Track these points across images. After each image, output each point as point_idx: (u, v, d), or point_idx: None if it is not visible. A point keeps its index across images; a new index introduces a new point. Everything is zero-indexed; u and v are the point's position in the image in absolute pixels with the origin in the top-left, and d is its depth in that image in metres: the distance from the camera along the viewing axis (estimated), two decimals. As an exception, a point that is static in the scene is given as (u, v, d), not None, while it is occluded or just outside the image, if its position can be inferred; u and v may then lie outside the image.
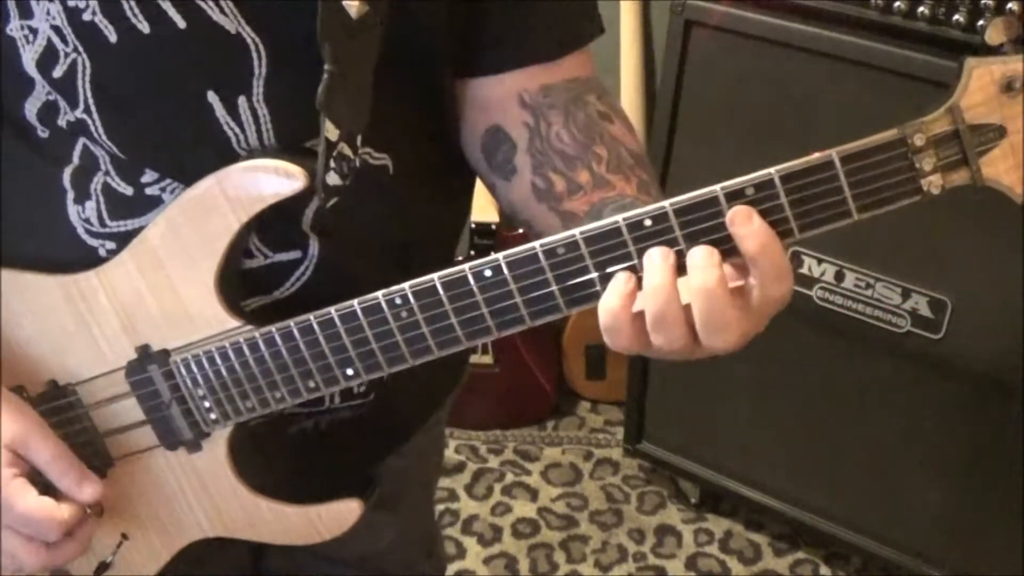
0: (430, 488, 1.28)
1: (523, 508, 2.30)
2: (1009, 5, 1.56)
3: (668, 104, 1.88)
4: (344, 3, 0.78)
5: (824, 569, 2.16)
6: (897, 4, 1.64)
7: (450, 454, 2.41)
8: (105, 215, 0.87)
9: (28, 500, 0.83)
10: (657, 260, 0.72)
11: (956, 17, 1.60)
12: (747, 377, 1.99)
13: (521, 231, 2.29)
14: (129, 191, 0.86)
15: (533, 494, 2.34)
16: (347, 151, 0.83)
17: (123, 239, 0.86)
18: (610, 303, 0.73)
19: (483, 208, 2.25)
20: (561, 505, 2.31)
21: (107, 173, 0.86)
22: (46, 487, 0.85)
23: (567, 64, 0.92)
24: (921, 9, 1.63)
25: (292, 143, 0.84)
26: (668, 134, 1.89)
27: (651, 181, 0.88)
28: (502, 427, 2.50)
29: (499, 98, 0.91)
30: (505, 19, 0.89)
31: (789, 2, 1.73)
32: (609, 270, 0.73)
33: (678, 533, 2.24)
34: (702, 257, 0.71)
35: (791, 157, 0.70)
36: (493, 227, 2.29)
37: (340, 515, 0.92)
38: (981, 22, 1.59)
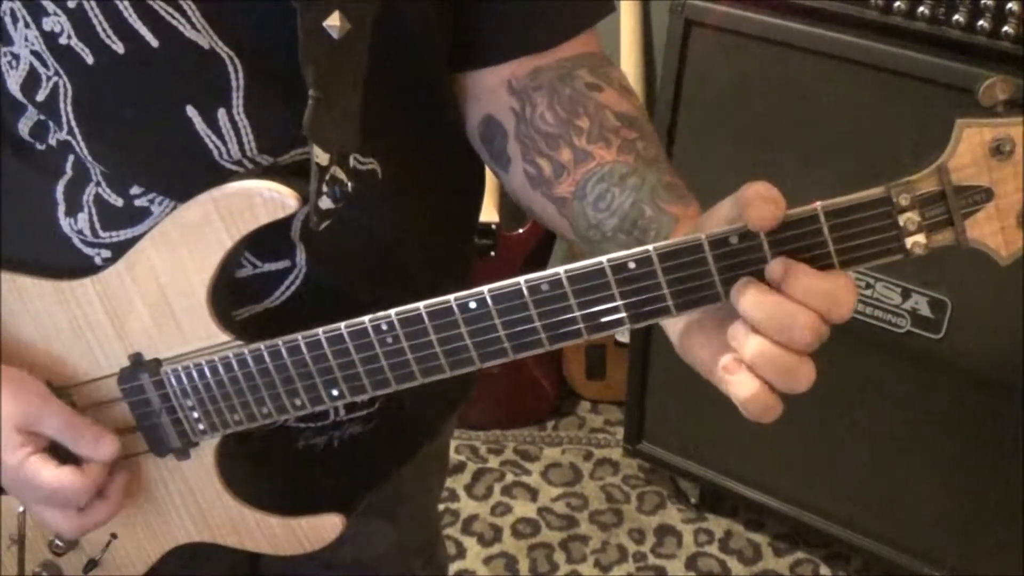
0: (431, 496, 1.26)
1: (523, 508, 2.30)
2: (1009, 5, 1.56)
3: (668, 104, 1.87)
4: (325, 24, 0.77)
5: (824, 569, 2.16)
6: (897, 4, 1.64)
7: (450, 454, 2.40)
8: (97, 226, 0.87)
9: (46, 474, 0.85)
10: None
11: (956, 17, 1.60)
12: (747, 377, 1.98)
13: (521, 231, 2.30)
14: (119, 202, 0.86)
15: (533, 494, 2.34)
16: (340, 174, 0.82)
17: (118, 248, 0.87)
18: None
19: (483, 208, 2.24)
20: (561, 505, 2.31)
21: (98, 184, 0.86)
22: (68, 454, 0.87)
23: (564, 45, 0.89)
24: (921, 9, 1.63)
25: (275, 153, 0.84)
26: (668, 134, 1.88)
27: (639, 138, 0.84)
28: (502, 427, 2.49)
29: (491, 87, 0.89)
30: (499, 12, 0.87)
31: (789, 2, 1.72)
32: (592, 310, 0.73)
33: (678, 533, 2.24)
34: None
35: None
36: (493, 227, 2.29)
37: (322, 528, 0.92)
38: (981, 22, 1.58)
